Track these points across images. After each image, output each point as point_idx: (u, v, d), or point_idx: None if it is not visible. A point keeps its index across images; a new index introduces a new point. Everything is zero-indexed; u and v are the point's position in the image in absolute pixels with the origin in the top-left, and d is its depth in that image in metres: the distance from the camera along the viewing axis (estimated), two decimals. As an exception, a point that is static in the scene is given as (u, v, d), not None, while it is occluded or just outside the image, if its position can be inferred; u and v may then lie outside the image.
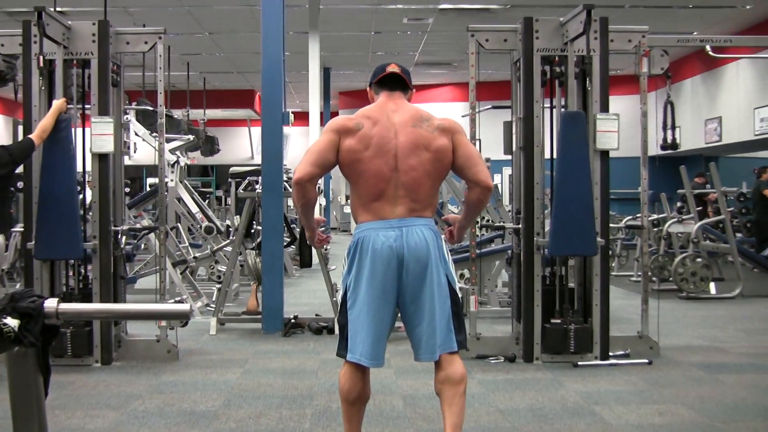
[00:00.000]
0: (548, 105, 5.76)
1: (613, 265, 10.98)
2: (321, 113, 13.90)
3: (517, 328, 5.72)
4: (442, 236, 3.28)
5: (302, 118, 15.82)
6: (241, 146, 24.02)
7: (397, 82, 3.30)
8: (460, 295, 3.24)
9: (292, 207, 14.17)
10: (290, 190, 7.71)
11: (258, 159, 12.13)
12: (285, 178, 7.32)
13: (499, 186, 10.59)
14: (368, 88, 3.42)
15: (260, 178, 7.04)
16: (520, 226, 5.66)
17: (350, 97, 21.18)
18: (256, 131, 21.57)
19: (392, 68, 3.31)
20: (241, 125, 24.10)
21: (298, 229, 11.19)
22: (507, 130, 5.94)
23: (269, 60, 6.79)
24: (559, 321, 5.51)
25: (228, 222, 10.79)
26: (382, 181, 3.09)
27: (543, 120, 5.56)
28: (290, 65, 13.86)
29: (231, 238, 8.93)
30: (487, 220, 8.45)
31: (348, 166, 3.12)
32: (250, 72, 17.98)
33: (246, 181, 7.56)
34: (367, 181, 3.10)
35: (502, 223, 7.32)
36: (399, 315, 3.20)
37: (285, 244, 7.28)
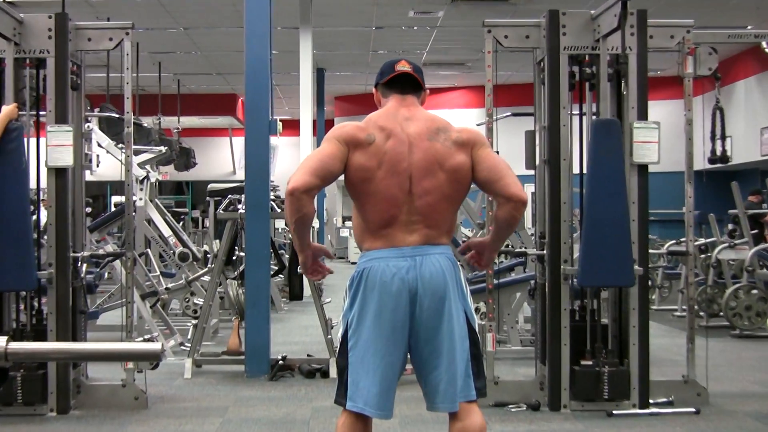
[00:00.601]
0: (577, 112, 5.78)
1: (653, 297, 10.96)
2: (314, 121, 13.98)
3: (542, 370, 5.70)
4: (460, 265, 3.29)
5: (292, 126, 15.89)
6: (221, 159, 24.11)
7: (408, 83, 3.32)
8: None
9: (280, 230, 14.22)
10: (278, 210, 7.78)
11: (241, 174, 12.13)
12: (272, 197, 7.33)
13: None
14: (374, 90, 3.43)
15: (243, 196, 7.05)
16: (544, 252, 5.66)
17: (348, 102, 21.29)
18: (239, 142, 21.65)
19: (403, 66, 3.33)
20: (222, 135, 24.21)
21: (287, 256, 11.24)
22: (529, 141, 5.96)
23: (254, 60, 6.83)
24: (590, 363, 5.49)
25: (206, 247, 10.80)
26: (395, 206, 3.11)
27: (571, 129, 5.58)
28: (278, 66, 13.91)
29: (209, 266, 8.93)
30: (507, 246, 8.45)
31: (355, 186, 3.14)
32: (232, 73, 18.07)
33: (227, 200, 7.60)
34: (376, 204, 3.12)
35: (523, 249, 7.32)
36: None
37: (272, 273, 7.28)
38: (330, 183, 3.15)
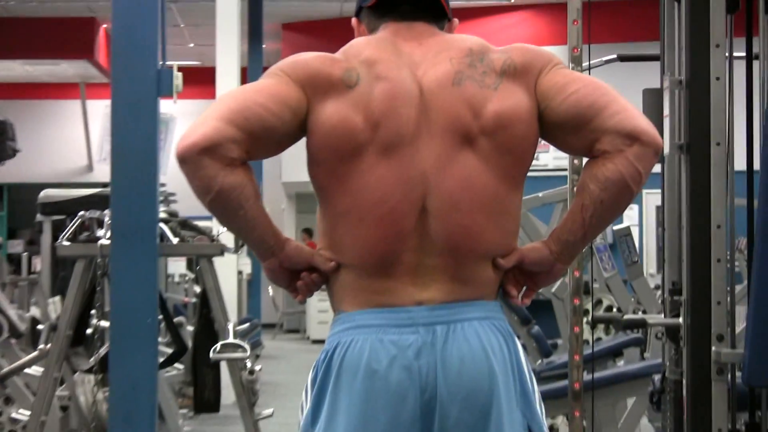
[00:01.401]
0: (742, 53, 5.82)
1: None
2: (243, 70, 14.00)
3: None
4: (518, 340, 3.26)
5: (202, 80, 16.00)
6: (66, 143, 24.13)
7: (416, 6, 3.27)
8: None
9: (176, 278, 14.21)
10: (173, 240, 7.76)
11: (102, 171, 11.98)
12: (162, 213, 7.33)
13: (634, 231, 10.53)
14: (355, 21, 3.37)
15: (107, 212, 7.06)
16: (679, 320, 5.67)
17: (306, 34, 21.28)
18: (99, 110, 21.65)
19: None
20: (67, 97, 24.25)
21: (190, 328, 11.20)
22: (652, 109, 5.98)
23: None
24: None
25: (34, 311, 10.79)
26: (395, 231, 3.06)
27: (730, 86, 5.61)
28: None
29: (41, 346, 8.93)
30: (609, 308, 8.51)
31: (328, 172, 3.09)
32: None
33: (76, 221, 7.58)
34: (363, 223, 3.07)
35: (640, 315, 7.33)
36: None
37: (162, 361, 7.30)
38: (266, 148, 3.10)
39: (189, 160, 2.90)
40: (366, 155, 3.04)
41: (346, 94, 3.04)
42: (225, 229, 3.11)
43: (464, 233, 3.08)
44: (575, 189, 3.17)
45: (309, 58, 3.12)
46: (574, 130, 3.07)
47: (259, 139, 2.99)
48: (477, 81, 3.08)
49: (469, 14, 19.55)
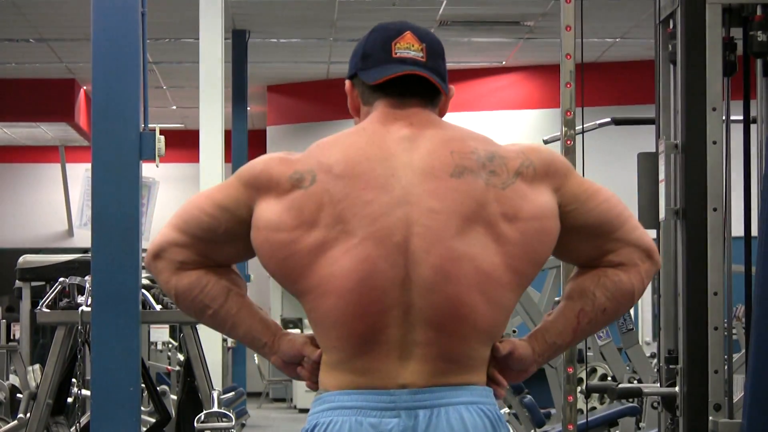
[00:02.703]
0: (739, 117, 5.81)
1: None
2: (227, 132, 13.96)
3: None
4: (510, 410, 3.25)
5: (185, 143, 15.93)
6: (47, 207, 24.05)
7: (414, 79, 3.10)
8: None
9: (159, 347, 14.15)
10: (156, 307, 7.73)
11: (83, 237, 11.96)
12: (145, 280, 7.30)
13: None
14: (348, 84, 3.25)
15: (88, 278, 7.02)
16: (676, 389, 5.65)
17: (291, 96, 21.10)
18: (78, 172, 21.59)
19: (406, 48, 3.08)
20: (46, 160, 24.14)
21: (173, 397, 11.14)
22: (646, 174, 5.97)
23: (107, 15, 6.85)
24: None
25: (13, 380, 10.73)
26: (377, 308, 2.96)
27: (727, 151, 5.60)
28: (158, 26, 13.85)
29: (21, 416, 8.88)
30: (603, 376, 8.48)
31: (279, 265, 3.03)
32: (67, 40, 18.11)
33: (56, 287, 7.55)
34: (341, 301, 2.96)
35: (635, 384, 7.30)
36: None
37: (146, 430, 7.26)
38: (217, 249, 3.06)
39: (149, 267, 3.09)
40: (308, 248, 2.95)
41: (287, 194, 2.97)
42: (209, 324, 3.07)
43: (451, 306, 2.98)
44: (567, 293, 3.11)
45: (260, 159, 3.08)
46: (593, 236, 3.06)
47: (204, 240, 3.03)
48: (483, 178, 2.95)
49: (460, 76, 19.40)
